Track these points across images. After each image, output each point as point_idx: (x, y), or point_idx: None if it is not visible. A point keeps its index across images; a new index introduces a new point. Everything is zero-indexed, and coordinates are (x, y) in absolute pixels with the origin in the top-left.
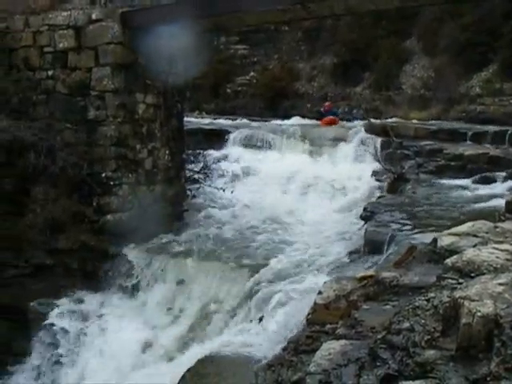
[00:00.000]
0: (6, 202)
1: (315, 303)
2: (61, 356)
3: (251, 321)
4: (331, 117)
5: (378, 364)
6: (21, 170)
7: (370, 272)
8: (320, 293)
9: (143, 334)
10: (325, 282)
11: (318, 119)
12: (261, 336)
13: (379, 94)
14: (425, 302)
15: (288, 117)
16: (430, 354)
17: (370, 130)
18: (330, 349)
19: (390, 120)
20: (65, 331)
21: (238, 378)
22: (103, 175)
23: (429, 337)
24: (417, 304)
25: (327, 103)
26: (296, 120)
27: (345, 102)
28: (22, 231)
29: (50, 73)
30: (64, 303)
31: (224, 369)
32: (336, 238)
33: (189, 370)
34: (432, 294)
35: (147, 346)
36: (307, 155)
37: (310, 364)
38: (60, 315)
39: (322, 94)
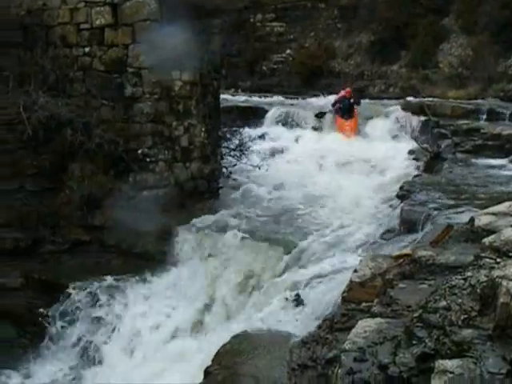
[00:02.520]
0: (44, 178)
1: (351, 281)
2: (102, 330)
3: (286, 299)
4: (349, 124)
5: (414, 342)
6: (58, 146)
7: (406, 251)
8: (356, 271)
9: (179, 310)
10: (360, 261)
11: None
12: (295, 314)
13: (416, 73)
14: (462, 281)
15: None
16: (467, 333)
17: (407, 108)
18: (366, 327)
19: (426, 99)
20: (104, 306)
21: (273, 355)
22: (139, 152)
23: (466, 316)
24: (454, 283)
25: (347, 89)
26: (333, 98)
27: (381, 80)
28: (58, 207)
29: (86, 50)
30: (101, 278)
31: (258, 345)
32: (371, 217)
33: (223, 346)
34: (469, 273)
35: (182, 321)
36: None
37: (345, 342)
38: (99, 290)
39: (358, 72)
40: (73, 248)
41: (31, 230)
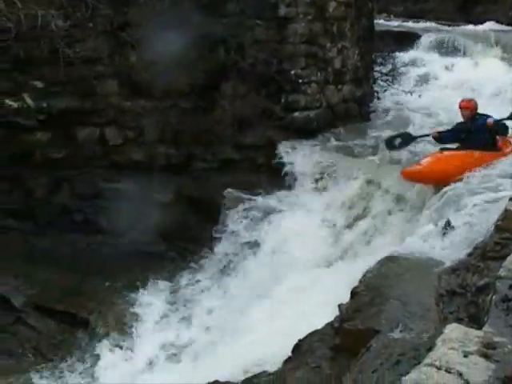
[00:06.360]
0: (197, 96)
1: (506, 210)
2: (245, 248)
3: (436, 225)
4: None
5: None
6: (211, 65)
7: None
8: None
9: (326, 232)
10: None
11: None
12: (444, 240)
13: None
14: None
15: (480, 22)
16: None
17: None
18: None
19: None
20: (250, 224)
21: (421, 281)
22: (292, 73)
23: None
24: None
25: (463, 101)
26: (489, 25)
27: None
28: (210, 126)
29: None
30: (250, 198)
31: (406, 270)
32: None
33: (370, 270)
34: None
35: (329, 243)
36: (500, 62)
37: (498, 270)
38: (246, 209)
39: None
40: (223, 166)
41: (184, 147)
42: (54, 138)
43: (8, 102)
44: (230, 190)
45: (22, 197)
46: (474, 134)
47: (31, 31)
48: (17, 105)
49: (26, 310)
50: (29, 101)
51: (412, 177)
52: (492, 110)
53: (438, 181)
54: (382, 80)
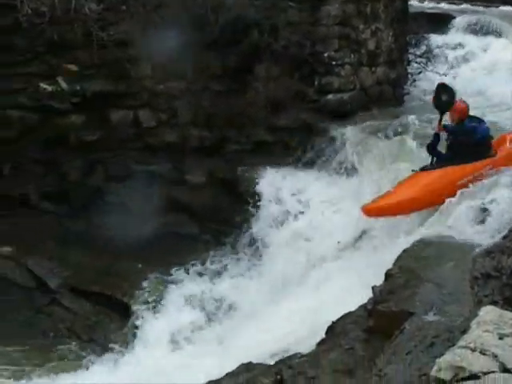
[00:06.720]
0: (230, 78)
1: None
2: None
3: (471, 207)
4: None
5: None
6: (244, 47)
7: None
8: None
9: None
10: None
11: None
12: (479, 223)
13: None
14: None
15: None
16: None
17: None
18: None
19: None
20: (277, 204)
21: (455, 263)
22: (325, 55)
23: None
24: None
25: (460, 103)
26: None
27: None
28: (243, 108)
29: None
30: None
31: (441, 252)
32: None
33: (405, 251)
34: None
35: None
36: None
37: None
38: (283, 187)
39: None
40: (256, 148)
41: (216, 130)
42: (88, 121)
43: (42, 85)
44: (242, 168)
45: (56, 180)
46: (461, 141)
47: (65, 15)
48: (51, 88)
49: (61, 292)
50: (63, 84)
51: (374, 213)
52: None
53: (411, 210)
54: (416, 62)
